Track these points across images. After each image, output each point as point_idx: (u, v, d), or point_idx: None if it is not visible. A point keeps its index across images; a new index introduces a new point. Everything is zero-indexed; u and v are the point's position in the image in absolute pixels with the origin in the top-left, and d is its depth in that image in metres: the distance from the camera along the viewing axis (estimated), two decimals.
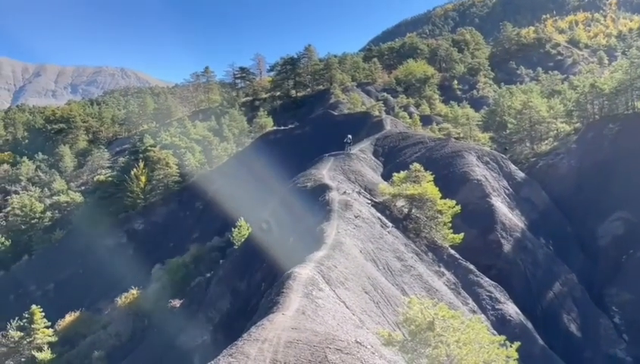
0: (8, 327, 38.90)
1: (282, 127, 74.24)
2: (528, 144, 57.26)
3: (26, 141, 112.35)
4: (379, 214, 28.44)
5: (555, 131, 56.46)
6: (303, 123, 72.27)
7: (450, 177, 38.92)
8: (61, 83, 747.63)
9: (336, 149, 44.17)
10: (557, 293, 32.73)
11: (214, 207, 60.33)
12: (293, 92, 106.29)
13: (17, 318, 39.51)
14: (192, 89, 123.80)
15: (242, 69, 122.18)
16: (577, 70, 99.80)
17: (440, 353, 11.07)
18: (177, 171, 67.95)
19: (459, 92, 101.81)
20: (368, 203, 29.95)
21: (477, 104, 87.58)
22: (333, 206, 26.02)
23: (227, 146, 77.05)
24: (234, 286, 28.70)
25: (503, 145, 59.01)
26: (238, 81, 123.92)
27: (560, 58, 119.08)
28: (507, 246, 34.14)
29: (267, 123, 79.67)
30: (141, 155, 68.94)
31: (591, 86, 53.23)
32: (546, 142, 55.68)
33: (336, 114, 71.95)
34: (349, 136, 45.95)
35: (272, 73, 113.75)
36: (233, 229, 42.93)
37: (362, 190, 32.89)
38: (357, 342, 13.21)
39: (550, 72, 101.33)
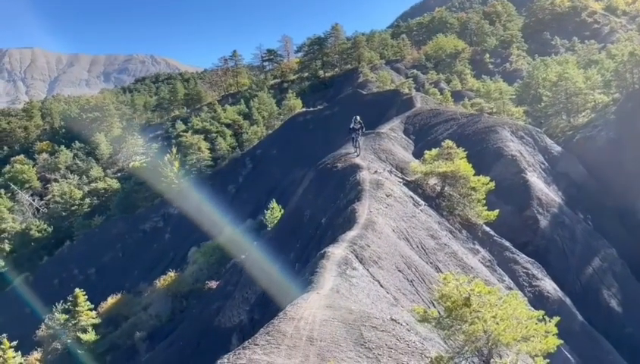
0: (54, 310, 40.48)
1: (311, 108, 73.98)
2: (564, 117, 55.61)
3: (63, 130, 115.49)
4: (411, 193, 28.20)
5: (592, 102, 54.62)
6: (332, 104, 71.80)
7: (484, 153, 38.21)
8: (94, 72, 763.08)
9: (365, 128, 43.74)
10: (597, 268, 32.01)
11: (247, 190, 61.11)
12: (321, 72, 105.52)
13: (61, 302, 41.06)
14: (220, 74, 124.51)
15: (269, 51, 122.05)
16: (615, 39, 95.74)
17: (477, 329, 10.99)
18: (209, 155, 68.93)
19: (491, 66, 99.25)
20: (400, 182, 29.72)
21: (510, 77, 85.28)
22: (364, 186, 25.90)
23: (257, 129, 77.50)
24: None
25: (538, 119, 57.51)
26: (266, 64, 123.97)
27: (596, 26, 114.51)
28: (544, 222, 33.45)
29: (296, 104, 79.53)
30: (174, 141, 70.19)
31: (630, 55, 51.18)
32: (583, 114, 53.95)
33: (365, 93, 71.16)
34: (357, 117, 33.64)
35: (300, 54, 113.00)
36: (265, 211, 43.41)
37: (394, 169, 32.63)
38: (392, 319, 13.25)
39: (586, 41, 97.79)
